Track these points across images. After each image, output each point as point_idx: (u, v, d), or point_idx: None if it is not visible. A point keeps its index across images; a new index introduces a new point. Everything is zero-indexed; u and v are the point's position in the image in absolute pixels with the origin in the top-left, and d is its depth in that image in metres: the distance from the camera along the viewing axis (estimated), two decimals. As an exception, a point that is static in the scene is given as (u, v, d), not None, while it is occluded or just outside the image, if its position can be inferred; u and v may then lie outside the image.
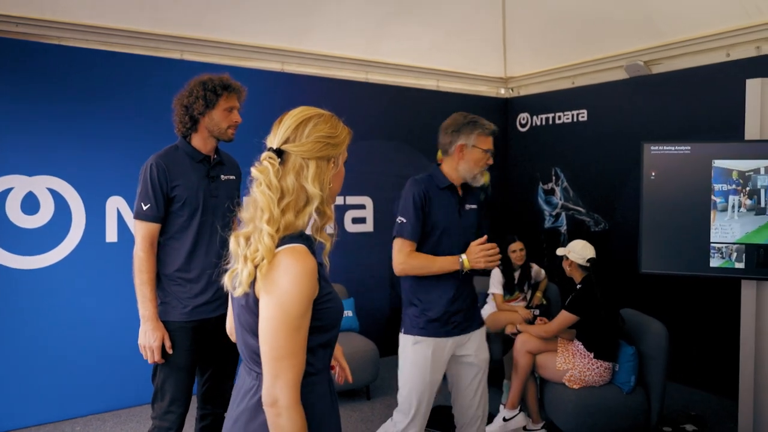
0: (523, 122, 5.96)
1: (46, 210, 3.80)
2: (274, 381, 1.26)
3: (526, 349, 3.49)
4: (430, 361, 2.50)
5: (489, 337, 4.10)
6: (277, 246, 1.29)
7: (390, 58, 5.33)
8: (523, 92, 6.12)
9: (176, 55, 4.36)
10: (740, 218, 3.14)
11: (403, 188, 2.51)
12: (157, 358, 2.29)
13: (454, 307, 2.52)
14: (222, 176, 2.49)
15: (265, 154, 1.35)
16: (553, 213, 5.61)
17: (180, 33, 4.32)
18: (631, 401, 3.36)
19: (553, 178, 5.61)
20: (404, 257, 2.42)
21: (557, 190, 5.58)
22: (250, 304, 1.33)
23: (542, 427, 3.57)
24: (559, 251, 3.55)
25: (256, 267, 1.29)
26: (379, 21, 4.93)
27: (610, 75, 5.16)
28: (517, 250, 4.59)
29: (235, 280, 1.35)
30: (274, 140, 1.37)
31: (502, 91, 6.24)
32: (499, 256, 2.47)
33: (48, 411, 3.80)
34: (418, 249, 2.47)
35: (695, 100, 4.46)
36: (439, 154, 2.67)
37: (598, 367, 3.34)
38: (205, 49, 4.47)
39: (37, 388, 3.77)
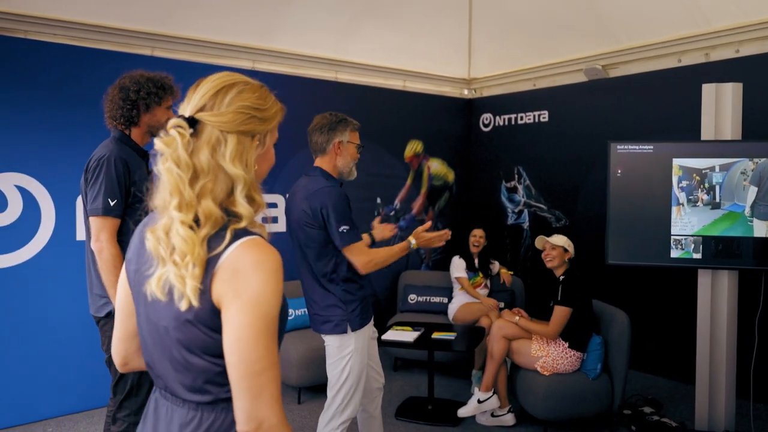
0: (486, 122, 6.15)
1: (14, 208, 3.71)
2: (257, 400, 1.03)
3: (503, 334, 3.64)
4: (366, 344, 2.66)
5: (458, 329, 4.25)
6: (232, 240, 1.07)
7: (359, 58, 5.42)
8: (486, 93, 6.31)
9: (147, 52, 4.31)
10: (698, 212, 3.38)
11: (324, 200, 2.50)
12: None
13: (369, 289, 2.75)
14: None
15: (172, 122, 1.09)
16: (516, 210, 5.81)
17: (150, 29, 4.28)
18: (596, 386, 3.55)
19: (516, 176, 5.81)
20: (366, 256, 2.55)
21: (520, 188, 5.79)
22: (203, 316, 1.07)
23: (509, 411, 3.73)
24: (556, 241, 3.65)
25: (205, 271, 1.05)
26: (349, 21, 5.00)
27: (570, 78, 5.40)
28: (477, 236, 4.83)
29: (165, 287, 1.09)
30: (187, 107, 1.13)
31: (466, 92, 6.41)
32: (447, 233, 2.76)
33: (19, 413, 3.71)
34: None
35: (649, 103, 4.74)
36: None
37: (570, 356, 3.52)
38: (176, 46, 4.45)
39: (6, 390, 3.67)
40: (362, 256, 2.54)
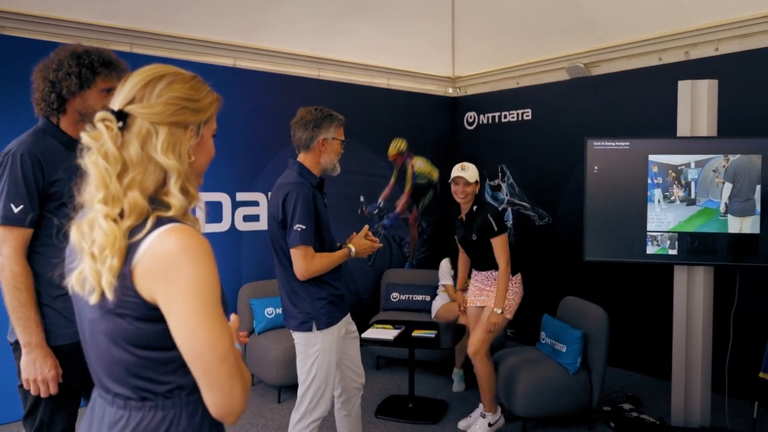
0: (471, 121, 6.15)
1: None
2: (232, 387, 1.06)
3: (481, 356, 3.46)
4: (336, 344, 2.62)
5: (440, 327, 4.24)
6: (154, 227, 1.05)
7: (342, 55, 5.40)
8: (470, 92, 6.32)
9: (125, 48, 4.28)
10: (673, 209, 3.40)
11: (288, 194, 2.49)
12: (53, 390, 1.88)
13: (344, 288, 2.71)
14: None
15: (99, 115, 1.08)
16: (500, 208, 5.82)
17: (129, 25, 4.25)
18: (575, 383, 3.56)
19: (500, 174, 5.82)
20: (309, 262, 2.48)
21: (503, 186, 5.79)
22: (126, 306, 1.05)
23: (501, 413, 3.65)
24: (472, 176, 3.40)
25: (123, 263, 1.04)
26: (332, 19, 4.99)
27: (553, 76, 5.41)
28: None
29: (83, 283, 1.07)
30: (116, 101, 1.11)
31: (450, 90, 6.42)
32: (378, 242, 2.75)
33: (9, 410, 3.68)
34: (318, 249, 2.55)
35: (631, 100, 4.76)
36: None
37: (516, 284, 3.50)
38: (156, 43, 4.42)
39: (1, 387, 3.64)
40: (306, 261, 2.47)
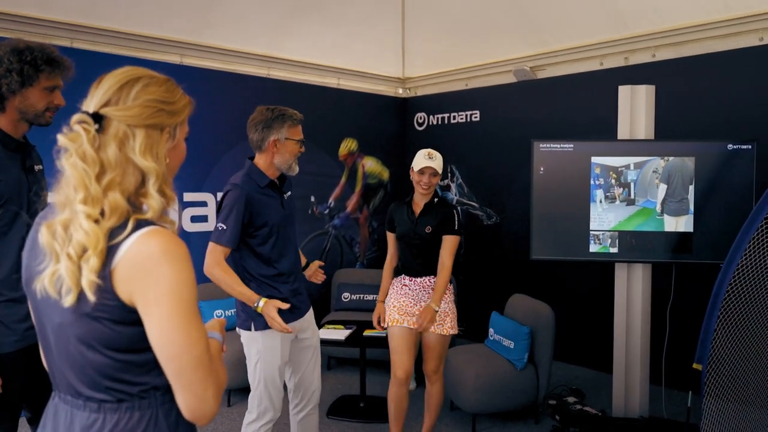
0: (420, 121, 6.22)
1: None
2: (205, 389, 1.06)
3: (441, 373, 3.21)
4: (279, 348, 2.55)
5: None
6: (134, 230, 1.05)
7: (292, 55, 5.37)
8: (420, 92, 6.39)
9: (66, 43, 4.12)
10: (614, 208, 3.54)
11: (227, 192, 2.46)
12: None
13: (288, 293, 2.59)
14: (36, 167, 2.01)
15: (76, 117, 1.08)
16: (449, 208, 5.91)
17: (70, 19, 4.09)
18: (522, 378, 3.66)
19: (449, 175, 5.91)
20: (214, 262, 2.41)
21: (453, 186, 5.89)
22: (105, 309, 1.05)
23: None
24: (438, 166, 3.04)
25: (103, 265, 1.03)
26: (282, 17, 4.95)
27: (500, 78, 5.53)
28: None
29: (57, 285, 1.05)
30: (90, 103, 1.11)
31: (401, 91, 6.47)
32: (287, 329, 2.44)
33: None
34: (259, 252, 2.51)
35: (575, 104, 4.92)
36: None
37: (451, 294, 3.18)
38: (98, 38, 4.27)
39: None
40: (210, 258, 2.41)
